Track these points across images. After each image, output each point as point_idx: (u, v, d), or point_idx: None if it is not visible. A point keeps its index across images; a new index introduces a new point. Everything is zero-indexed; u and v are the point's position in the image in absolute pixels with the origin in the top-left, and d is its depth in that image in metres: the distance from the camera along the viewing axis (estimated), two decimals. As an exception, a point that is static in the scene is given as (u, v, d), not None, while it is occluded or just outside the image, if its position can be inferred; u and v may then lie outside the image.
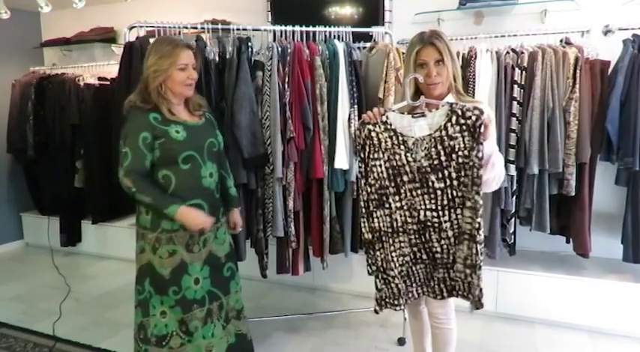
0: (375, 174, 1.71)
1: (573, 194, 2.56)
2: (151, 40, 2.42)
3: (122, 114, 1.86)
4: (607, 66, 2.58)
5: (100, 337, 2.77)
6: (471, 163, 1.59)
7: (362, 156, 1.73)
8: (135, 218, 1.94)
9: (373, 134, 1.70)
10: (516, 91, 2.60)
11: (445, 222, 1.68)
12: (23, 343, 2.72)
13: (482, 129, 1.55)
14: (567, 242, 2.78)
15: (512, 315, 2.88)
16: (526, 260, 2.96)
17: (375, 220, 1.74)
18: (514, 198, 2.71)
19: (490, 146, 1.65)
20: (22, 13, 4.37)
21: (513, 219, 2.74)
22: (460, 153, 1.60)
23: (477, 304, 1.69)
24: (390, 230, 1.74)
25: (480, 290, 1.67)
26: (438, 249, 1.72)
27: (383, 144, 1.69)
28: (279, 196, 2.51)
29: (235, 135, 2.35)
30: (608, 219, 2.92)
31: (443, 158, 1.63)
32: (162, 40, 1.87)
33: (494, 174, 1.69)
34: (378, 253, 1.76)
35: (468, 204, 1.62)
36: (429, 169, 1.66)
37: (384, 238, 1.74)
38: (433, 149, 1.63)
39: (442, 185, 1.65)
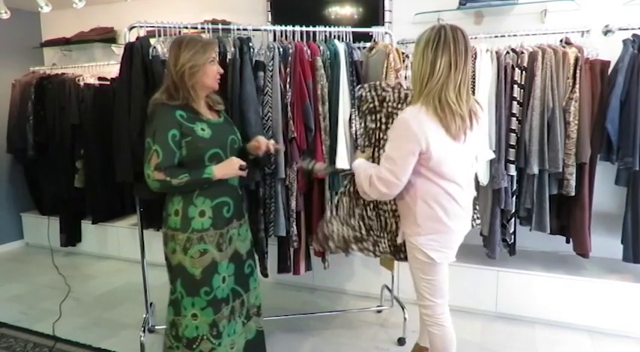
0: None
1: (573, 194, 2.56)
2: (152, 41, 2.43)
3: (148, 112, 1.91)
4: (607, 66, 2.58)
5: (100, 337, 2.77)
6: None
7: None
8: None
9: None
10: (516, 91, 2.60)
11: None
12: (23, 343, 2.72)
13: None
14: (567, 242, 2.78)
15: (512, 315, 2.88)
16: (526, 260, 2.96)
17: None
18: (514, 198, 2.70)
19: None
20: (22, 13, 4.37)
21: (513, 219, 2.74)
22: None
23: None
24: None
25: None
26: None
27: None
28: (281, 196, 2.51)
29: (248, 134, 2.33)
30: (608, 219, 2.92)
31: None
32: (190, 39, 1.89)
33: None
34: None
35: None
36: None
37: None
38: None
39: None
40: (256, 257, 2.62)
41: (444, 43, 1.63)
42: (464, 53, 1.65)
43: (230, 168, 1.87)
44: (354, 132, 2.44)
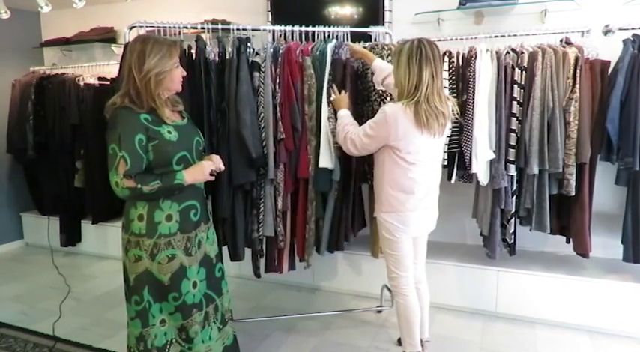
0: None
1: (573, 194, 2.56)
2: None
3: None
4: (607, 66, 2.58)
5: (100, 337, 2.78)
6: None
7: None
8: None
9: None
10: (516, 91, 2.59)
11: None
12: (23, 343, 2.72)
13: None
14: (567, 242, 2.78)
15: (512, 315, 2.88)
16: (526, 260, 2.96)
17: None
18: (514, 198, 2.70)
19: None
20: (22, 13, 4.37)
21: (513, 219, 2.74)
22: None
23: None
24: None
25: None
26: None
27: None
28: (270, 196, 2.52)
29: (243, 135, 2.33)
30: (608, 219, 2.92)
31: None
32: (154, 40, 1.76)
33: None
34: None
35: None
36: None
37: None
38: None
39: None
40: (255, 258, 2.64)
41: (425, 56, 1.96)
42: (439, 63, 2.01)
43: (200, 173, 1.81)
44: (332, 129, 2.44)
